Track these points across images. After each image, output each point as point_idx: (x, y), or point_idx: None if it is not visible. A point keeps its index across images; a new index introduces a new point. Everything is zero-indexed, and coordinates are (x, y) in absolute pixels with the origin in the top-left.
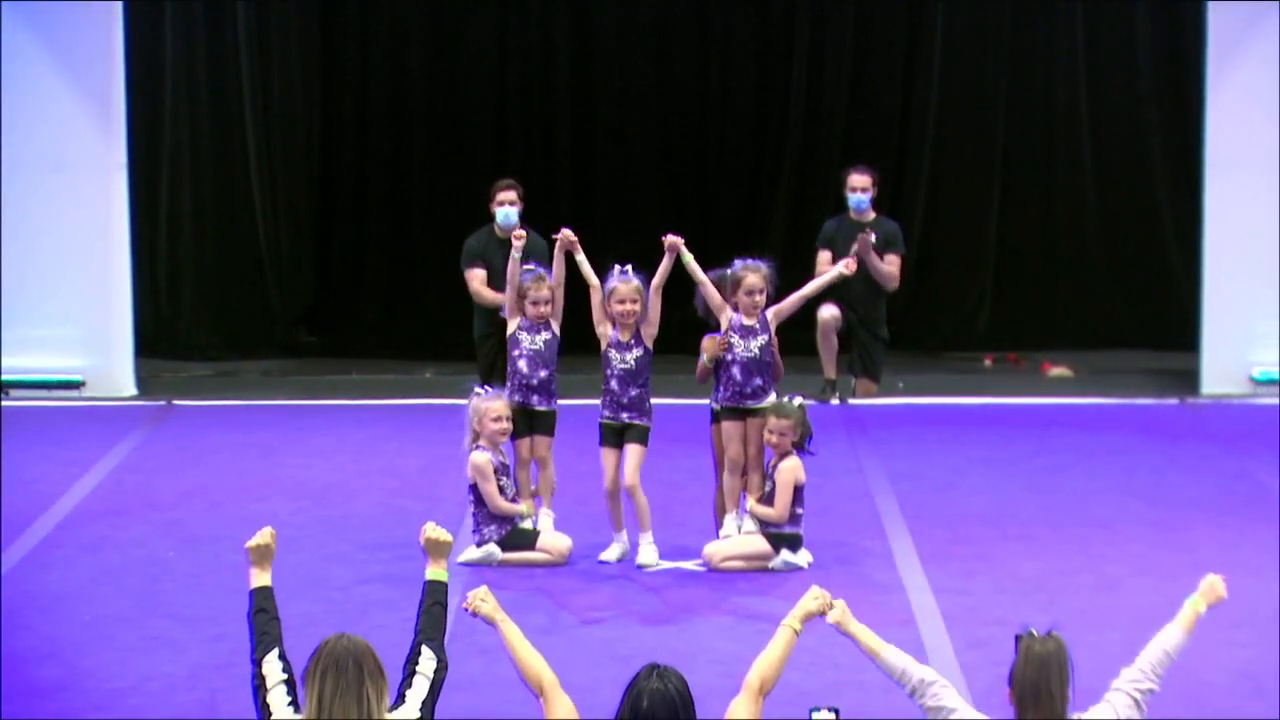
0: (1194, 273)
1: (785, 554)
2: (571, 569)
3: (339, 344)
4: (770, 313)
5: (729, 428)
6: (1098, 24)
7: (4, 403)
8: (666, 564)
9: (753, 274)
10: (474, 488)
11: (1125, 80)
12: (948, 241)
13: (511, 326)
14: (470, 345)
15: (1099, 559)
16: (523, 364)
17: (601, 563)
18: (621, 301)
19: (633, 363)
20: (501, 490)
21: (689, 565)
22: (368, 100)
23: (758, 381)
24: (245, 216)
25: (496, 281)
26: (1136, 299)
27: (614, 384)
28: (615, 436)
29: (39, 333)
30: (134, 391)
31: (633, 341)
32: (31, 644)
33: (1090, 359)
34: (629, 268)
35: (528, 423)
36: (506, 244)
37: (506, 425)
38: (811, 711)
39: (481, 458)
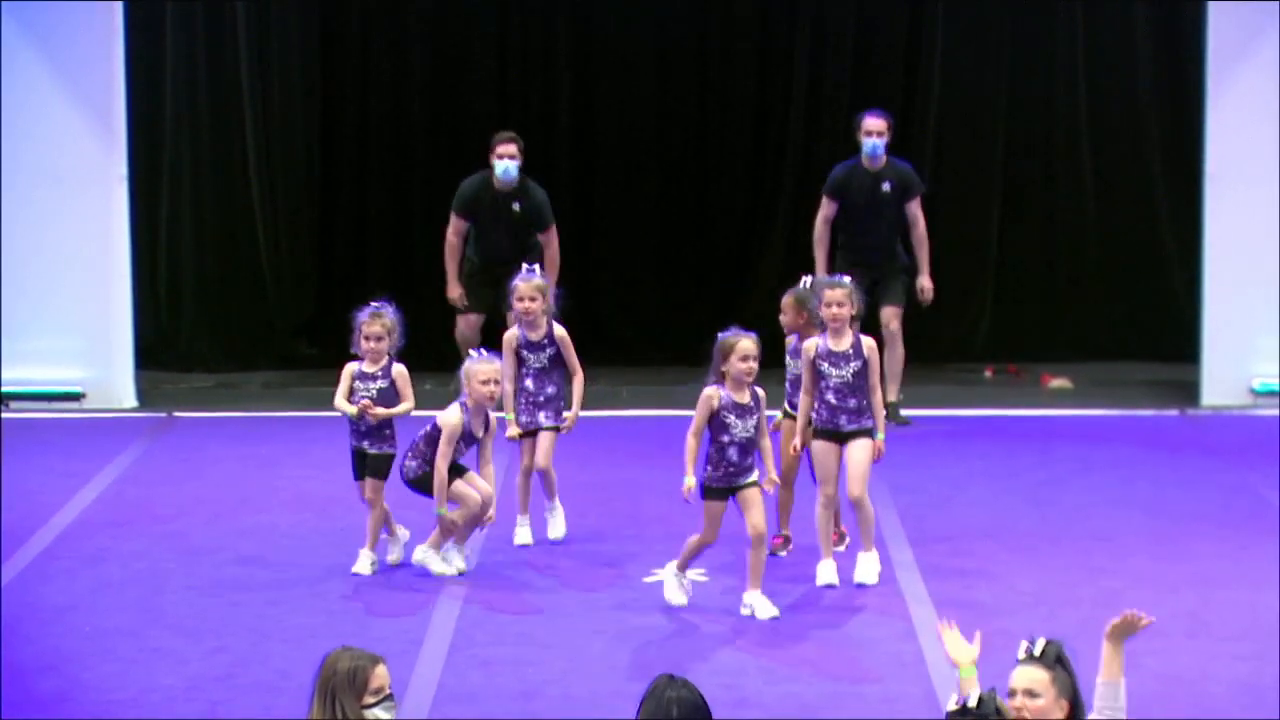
0: (1194, 284)
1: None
2: (571, 578)
3: (339, 356)
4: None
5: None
6: (1098, 31)
7: (4, 414)
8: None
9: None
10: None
11: (1125, 89)
12: (948, 252)
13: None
14: None
15: (1099, 571)
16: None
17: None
18: (520, 299)
19: (546, 361)
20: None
21: (693, 575)
22: (368, 112)
23: None
24: (246, 228)
25: (484, 235)
26: (1137, 310)
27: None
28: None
29: (39, 344)
30: (134, 403)
31: (545, 340)
32: (32, 656)
33: (1090, 370)
34: (535, 267)
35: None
36: (500, 196)
37: (494, 389)
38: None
39: (453, 415)
